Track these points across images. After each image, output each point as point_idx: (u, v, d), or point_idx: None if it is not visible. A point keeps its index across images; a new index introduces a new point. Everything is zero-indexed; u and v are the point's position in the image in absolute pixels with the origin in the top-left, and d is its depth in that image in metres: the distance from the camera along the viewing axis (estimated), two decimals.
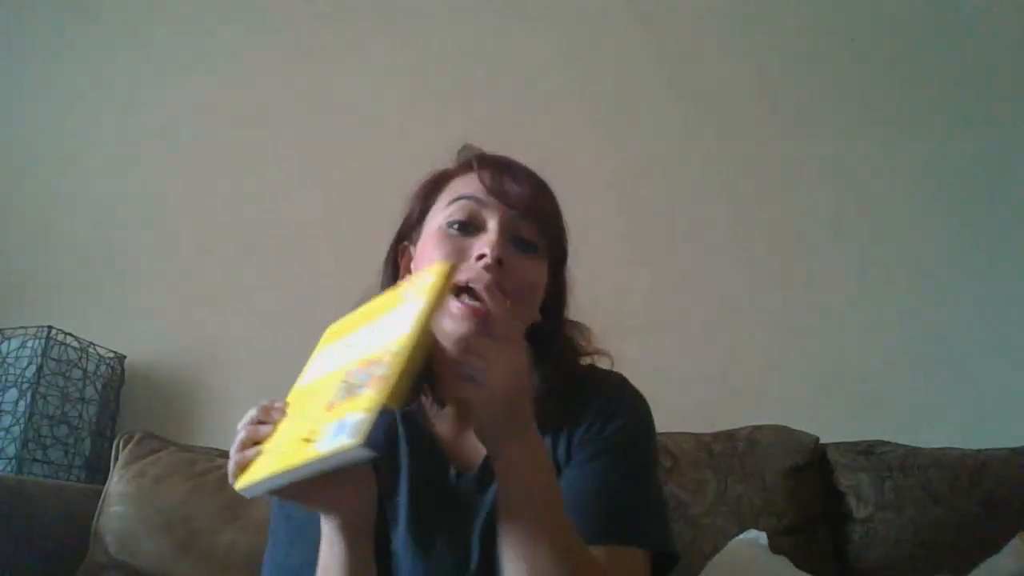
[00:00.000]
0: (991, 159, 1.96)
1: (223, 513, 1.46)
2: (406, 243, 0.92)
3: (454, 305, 0.75)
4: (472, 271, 0.78)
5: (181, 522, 1.45)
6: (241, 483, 0.67)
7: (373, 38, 2.16)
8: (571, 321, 0.93)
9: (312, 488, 0.66)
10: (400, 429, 0.90)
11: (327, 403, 0.64)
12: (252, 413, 0.71)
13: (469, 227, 0.82)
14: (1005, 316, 1.85)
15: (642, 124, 2.06)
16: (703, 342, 1.89)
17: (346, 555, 0.72)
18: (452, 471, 0.87)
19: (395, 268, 0.93)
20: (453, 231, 0.82)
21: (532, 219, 0.84)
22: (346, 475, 0.67)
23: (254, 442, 0.69)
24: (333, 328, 0.80)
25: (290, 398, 0.73)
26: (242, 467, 0.68)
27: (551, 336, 0.89)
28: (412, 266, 0.89)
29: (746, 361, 1.87)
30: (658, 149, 2.04)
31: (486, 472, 0.86)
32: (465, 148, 0.92)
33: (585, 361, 0.93)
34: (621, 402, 0.88)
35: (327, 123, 2.10)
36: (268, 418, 0.70)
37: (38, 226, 2.08)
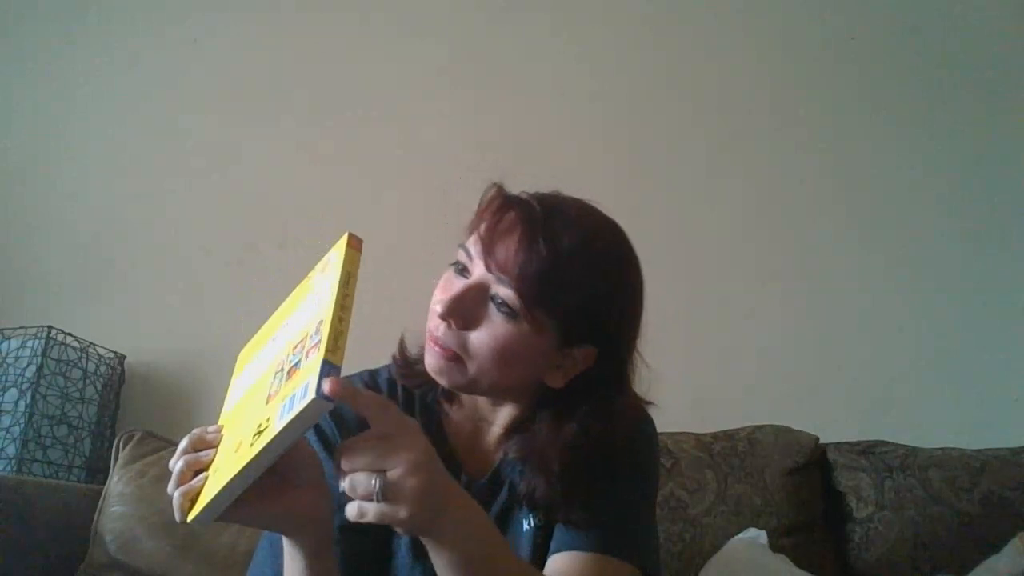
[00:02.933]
0: (992, 159, 1.96)
1: None
2: None
3: (429, 342, 0.81)
4: (432, 321, 0.81)
5: (181, 522, 1.45)
6: (193, 513, 0.63)
7: (377, 39, 2.16)
8: (634, 394, 0.89)
9: (265, 505, 0.65)
10: (416, 418, 0.91)
11: (266, 398, 0.63)
12: (184, 444, 0.69)
13: (462, 269, 0.83)
14: (1005, 316, 1.85)
15: (642, 123, 2.06)
16: (703, 342, 1.89)
17: (307, 572, 0.70)
18: (463, 478, 0.88)
19: None
20: (452, 273, 0.83)
21: (509, 285, 0.78)
22: (300, 487, 0.66)
23: (195, 471, 0.66)
24: (242, 355, 0.81)
25: (222, 421, 0.72)
26: (190, 498, 0.64)
27: (578, 400, 0.84)
28: None
29: (746, 361, 1.87)
30: (658, 148, 2.04)
31: (495, 482, 0.88)
32: (492, 187, 0.87)
33: None
34: (636, 430, 0.89)
35: (330, 123, 2.10)
36: (204, 444, 0.68)
37: (38, 226, 2.08)
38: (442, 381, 0.82)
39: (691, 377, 1.83)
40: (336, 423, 0.88)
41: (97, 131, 2.14)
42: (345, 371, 0.62)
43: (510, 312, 0.78)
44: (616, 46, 2.11)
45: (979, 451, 1.51)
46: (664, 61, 2.10)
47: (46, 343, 1.71)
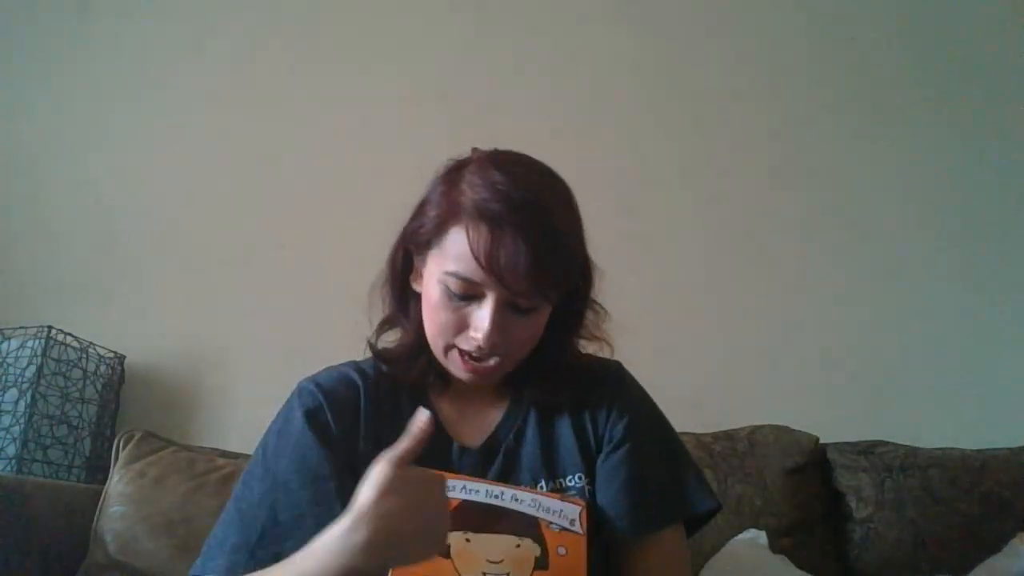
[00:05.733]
0: (991, 159, 1.96)
1: None
2: (412, 253, 0.92)
3: (456, 358, 0.86)
4: (468, 344, 0.85)
5: (181, 522, 1.45)
6: None
7: (378, 40, 2.16)
8: (593, 303, 0.97)
9: None
10: (404, 404, 0.92)
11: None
12: None
13: (468, 295, 0.83)
14: (1005, 316, 1.85)
15: (640, 125, 2.06)
16: (703, 342, 1.89)
17: None
18: (455, 447, 0.89)
19: (405, 274, 0.94)
20: (453, 297, 0.84)
21: (532, 295, 0.83)
22: None
23: None
24: None
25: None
26: None
27: (565, 329, 0.94)
28: (420, 283, 0.90)
29: (746, 361, 1.87)
30: (657, 149, 2.04)
31: (489, 449, 0.90)
32: (472, 158, 0.88)
33: (585, 347, 0.98)
34: (631, 389, 0.96)
35: (329, 123, 2.10)
36: None
37: (38, 226, 2.08)
38: (480, 383, 0.89)
39: (691, 377, 1.83)
40: (332, 410, 0.89)
41: (97, 131, 2.14)
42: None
43: (535, 309, 0.85)
44: (612, 47, 2.11)
45: (979, 451, 1.51)
46: (660, 63, 2.10)
47: (46, 343, 1.71)
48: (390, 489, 0.62)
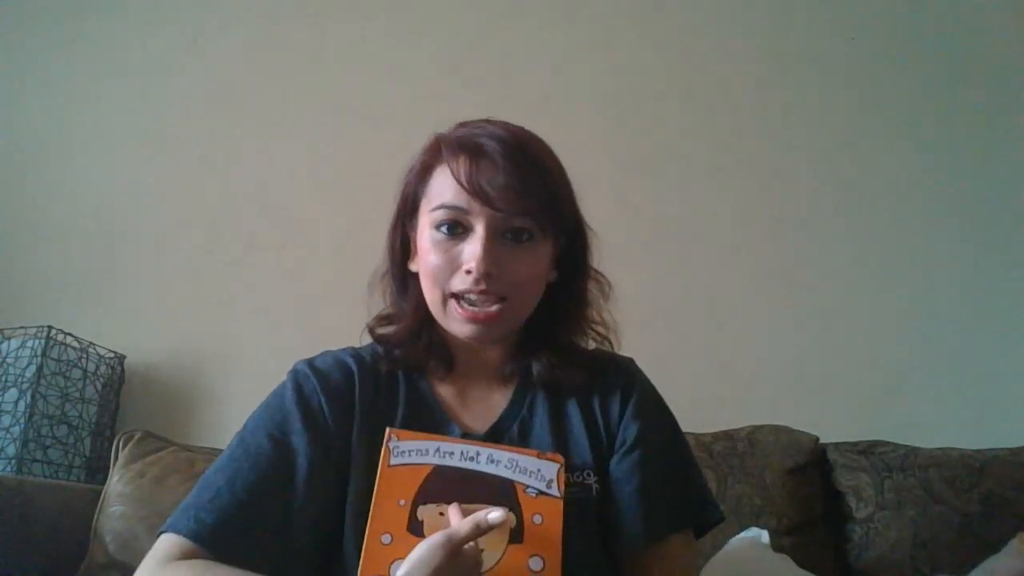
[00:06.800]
0: (991, 159, 1.96)
1: None
2: (406, 226, 0.93)
3: (455, 309, 0.83)
4: (463, 283, 0.82)
5: None
6: None
7: (375, 36, 2.16)
8: (594, 272, 0.95)
9: None
10: (401, 390, 0.90)
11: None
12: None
13: (457, 228, 0.83)
14: (1005, 316, 1.85)
15: (641, 121, 2.06)
16: (703, 341, 1.89)
17: None
18: (457, 433, 0.87)
19: (404, 251, 0.94)
20: (442, 235, 0.84)
21: (522, 213, 0.83)
22: None
23: None
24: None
25: None
26: None
27: (568, 299, 0.93)
28: (417, 260, 0.90)
29: (746, 361, 1.86)
30: (658, 147, 2.04)
31: (495, 435, 0.88)
32: (437, 139, 0.91)
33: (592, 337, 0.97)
34: (644, 388, 0.94)
35: (328, 122, 2.10)
36: None
37: (38, 226, 2.08)
38: (485, 337, 0.85)
39: (691, 377, 1.82)
40: (325, 395, 0.87)
41: (97, 131, 2.14)
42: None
43: (530, 237, 0.84)
44: (615, 47, 2.11)
45: (979, 451, 1.51)
46: (662, 61, 2.10)
47: (46, 343, 1.71)
48: (435, 571, 0.64)
